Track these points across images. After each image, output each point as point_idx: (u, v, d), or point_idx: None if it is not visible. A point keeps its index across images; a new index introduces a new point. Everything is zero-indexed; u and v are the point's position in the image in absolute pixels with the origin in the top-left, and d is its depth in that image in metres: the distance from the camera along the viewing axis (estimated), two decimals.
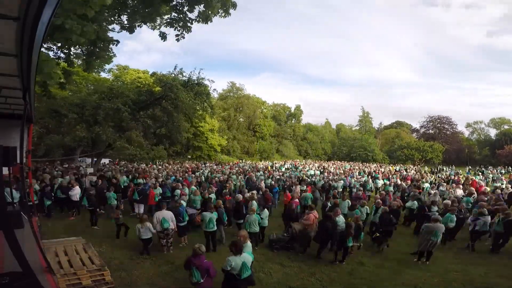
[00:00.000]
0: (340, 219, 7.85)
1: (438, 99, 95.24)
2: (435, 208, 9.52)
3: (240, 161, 38.04)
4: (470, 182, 15.95)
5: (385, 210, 8.93)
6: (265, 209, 8.90)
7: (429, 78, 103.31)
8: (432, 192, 12.91)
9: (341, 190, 15.00)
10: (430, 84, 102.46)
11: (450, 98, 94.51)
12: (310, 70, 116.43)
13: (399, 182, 17.10)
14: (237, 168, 23.97)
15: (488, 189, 15.03)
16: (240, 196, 9.53)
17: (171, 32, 9.48)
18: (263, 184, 13.76)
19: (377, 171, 24.89)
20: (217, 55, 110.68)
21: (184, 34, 9.22)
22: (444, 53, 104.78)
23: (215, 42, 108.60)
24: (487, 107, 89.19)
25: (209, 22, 8.76)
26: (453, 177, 21.82)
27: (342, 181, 16.27)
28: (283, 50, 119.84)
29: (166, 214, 7.45)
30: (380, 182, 17.54)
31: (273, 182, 14.68)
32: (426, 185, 16.39)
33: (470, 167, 33.85)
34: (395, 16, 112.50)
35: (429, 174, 24.74)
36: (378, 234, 8.59)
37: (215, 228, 7.76)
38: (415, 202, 10.41)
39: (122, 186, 12.80)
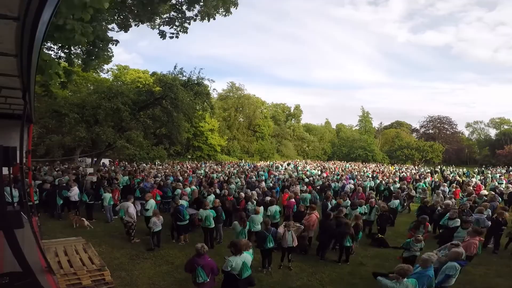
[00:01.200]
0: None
1: (405, 99, 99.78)
2: (438, 209, 9.51)
3: (240, 161, 38.05)
4: (475, 187, 15.91)
5: (384, 208, 8.97)
6: (261, 206, 8.95)
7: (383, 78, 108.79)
8: (436, 192, 12.94)
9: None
10: (382, 83, 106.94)
11: (407, 97, 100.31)
12: (271, 73, 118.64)
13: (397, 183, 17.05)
14: (237, 168, 23.99)
15: (486, 192, 15.05)
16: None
17: (165, 30, 9.53)
18: (263, 184, 13.75)
19: (377, 172, 24.90)
20: (178, 62, 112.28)
21: (178, 34, 9.27)
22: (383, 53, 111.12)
23: (176, 50, 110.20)
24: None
25: (210, 20, 8.76)
26: (451, 178, 21.74)
27: (342, 181, 16.28)
28: (242, 56, 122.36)
29: (125, 205, 8.06)
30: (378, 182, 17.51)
31: (271, 184, 14.69)
32: (421, 184, 16.42)
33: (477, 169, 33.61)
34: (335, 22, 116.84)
35: (428, 174, 24.72)
36: (380, 235, 8.61)
37: (213, 225, 7.81)
38: (396, 201, 10.65)
39: (122, 186, 12.77)
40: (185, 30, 9.22)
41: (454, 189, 14.18)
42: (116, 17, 9.06)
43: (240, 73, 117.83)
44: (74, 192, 10.35)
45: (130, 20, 8.95)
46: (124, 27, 9.12)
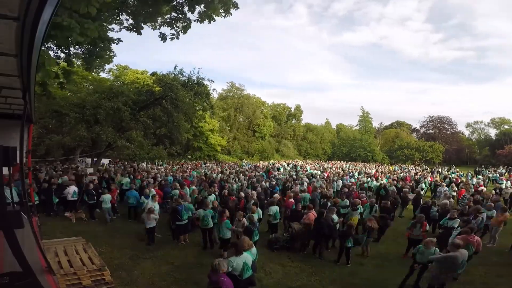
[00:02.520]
0: (335, 217, 7.92)
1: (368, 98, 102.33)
2: (435, 208, 9.52)
3: (241, 161, 38.04)
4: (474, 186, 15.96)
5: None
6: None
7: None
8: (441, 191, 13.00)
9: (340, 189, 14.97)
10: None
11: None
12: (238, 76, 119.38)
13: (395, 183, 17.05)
14: (237, 168, 23.97)
15: (485, 189, 15.08)
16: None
17: (165, 31, 9.53)
18: (263, 185, 13.71)
19: (376, 171, 24.90)
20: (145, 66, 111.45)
21: (179, 35, 9.30)
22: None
23: (146, 56, 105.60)
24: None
25: (212, 22, 8.78)
26: (451, 177, 21.75)
27: (340, 181, 16.27)
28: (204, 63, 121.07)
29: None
30: (379, 182, 17.50)
31: (273, 182, 14.66)
32: (422, 185, 16.43)
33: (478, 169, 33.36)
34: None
35: (428, 174, 24.72)
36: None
37: (211, 225, 7.83)
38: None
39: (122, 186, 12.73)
40: (185, 31, 9.22)
41: (459, 189, 14.14)
42: (118, 17, 9.08)
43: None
44: (69, 191, 10.28)
45: (141, 22, 8.97)
46: (136, 28, 9.14)
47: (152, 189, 10.44)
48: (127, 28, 9.22)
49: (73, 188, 10.45)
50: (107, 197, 9.97)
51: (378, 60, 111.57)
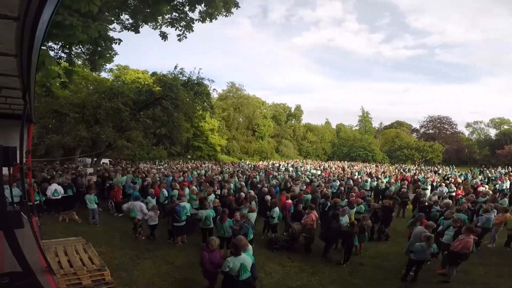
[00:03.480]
0: (344, 219, 7.91)
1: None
2: (437, 208, 9.53)
3: (240, 161, 38.06)
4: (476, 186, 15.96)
5: (374, 207, 9.05)
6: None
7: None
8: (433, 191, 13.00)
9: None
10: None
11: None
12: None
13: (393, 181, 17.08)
14: (237, 168, 23.97)
15: (485, 188, 15.08)
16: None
17: (171, 32, 9.52)
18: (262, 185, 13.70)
19: (376, 171, 24.90)
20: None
21: (186, 34, 9.28)
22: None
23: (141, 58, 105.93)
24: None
25: (213, 20, 8.80)
26: (453, 178, 21.76)
27: (338, 181, 16.28)
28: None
29: (135, 205, 8.37)
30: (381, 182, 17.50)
31: (274, 182, 14.67)
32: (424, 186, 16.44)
33: (475, 168, 33.44)
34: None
35: (430, 174, 24.69)
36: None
37: (212, 225, 7.81)
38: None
39: (121, 186, 12.73)
40: (190, 30, 9.24)
41: (455, 189, 14.16)
42: (119, 17, 9.08)
43: None
44: (50, 190, 10.00)
45: (140, 21, 8.99)
46: (134, 28, 9.16)
47: (152, 189, 10.45)
48: (126, 27, 9.23)
49: (54, 186, 10.12)
50: (93, 197, 9.60)
51: (349, 63, 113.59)
